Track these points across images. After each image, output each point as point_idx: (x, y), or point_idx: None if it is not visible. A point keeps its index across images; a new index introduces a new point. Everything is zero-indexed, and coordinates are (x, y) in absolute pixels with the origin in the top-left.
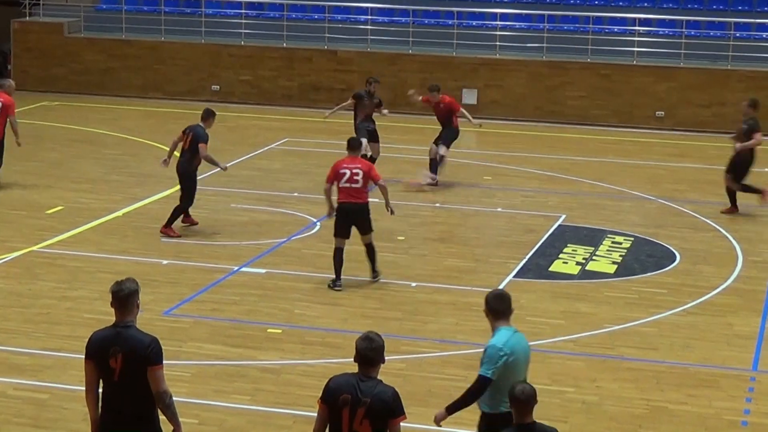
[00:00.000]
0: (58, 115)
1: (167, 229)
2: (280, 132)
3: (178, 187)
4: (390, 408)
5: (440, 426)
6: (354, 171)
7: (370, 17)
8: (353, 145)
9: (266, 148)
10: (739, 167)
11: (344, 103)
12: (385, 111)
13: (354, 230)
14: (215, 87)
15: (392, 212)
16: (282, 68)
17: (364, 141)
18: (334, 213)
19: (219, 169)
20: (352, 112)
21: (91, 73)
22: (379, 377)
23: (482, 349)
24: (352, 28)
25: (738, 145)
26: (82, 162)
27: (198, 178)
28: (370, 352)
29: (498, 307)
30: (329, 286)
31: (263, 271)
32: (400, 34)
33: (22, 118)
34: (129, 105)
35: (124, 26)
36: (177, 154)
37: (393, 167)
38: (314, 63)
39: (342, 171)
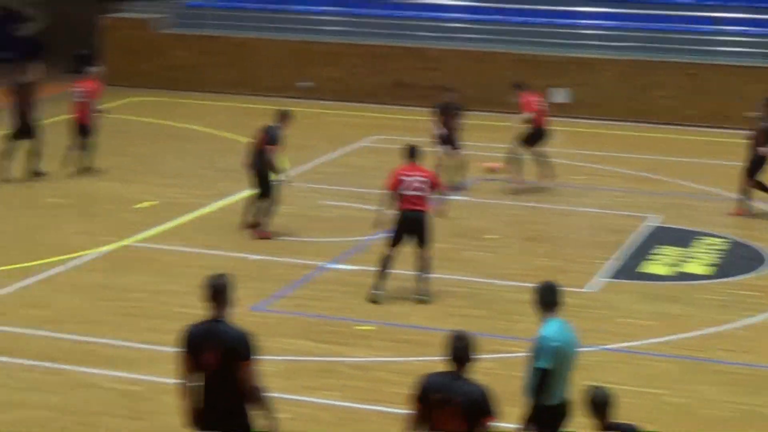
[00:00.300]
0: (145, 110)
1: (260, 233)
2: (368, 129)
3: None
4: (481, 407)
5: None
6: (417, 178)
7: (458, 15)
8: (412, 152)
9: (354, 145)
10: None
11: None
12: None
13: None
14: (302, 84)
15: (446, 215)
16: (369, 65)
17: None
18: (387, 226)
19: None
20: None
21: (179, 69)
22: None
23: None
24: (440, 26)
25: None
26: (169, 157)
27: (289, 173)
28: (461, 351)
29: (548, 299)
30: (371, 292)
31: (352, 267)
32: (489, 32)
33: (112, 114)
34: (216, 101)
35: (212, 23)
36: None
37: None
38: (402, 60)
39: (403, 178)
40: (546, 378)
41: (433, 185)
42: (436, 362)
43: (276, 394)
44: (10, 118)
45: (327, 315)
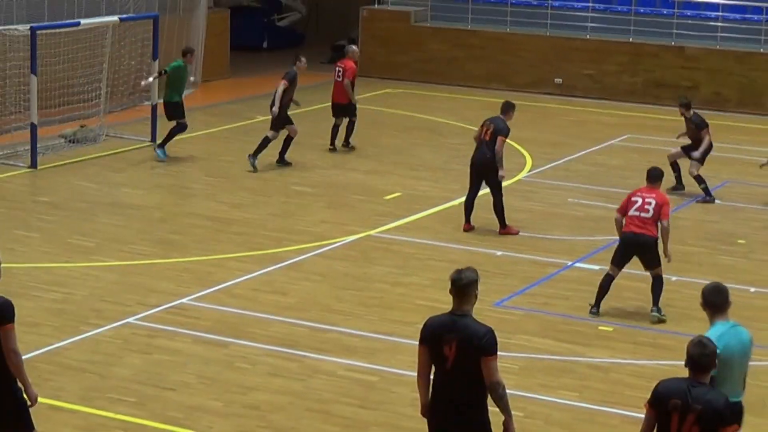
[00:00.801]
0: (400, 102)
1: (506, 229)
2: (622, 128)
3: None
4: (722, 416)
5: None
6: (647, 200)
7: (720, 14)
8: (653, 175)
9: (606, 144)
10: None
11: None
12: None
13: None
14: (558, 80)
15: (669, 259)
16: (627, 63)
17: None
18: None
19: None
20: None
21: (435, 61)
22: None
23: None
24: (701, 24)
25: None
26: (421, 149)
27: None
28: (703, 357)
29: (715, 301)
30: (590, 311)
31: (597, 267)
32: (751, 32)
33: (365, 105)
34: (471, 95)
35: (470, 17)
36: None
37: (737, 168)
38: (660, 59)
39: (634, 199)
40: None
41: (662, 213)
42: (678, 367)
43: (513, 391)
44: (279, 107)
45: (569, 314)
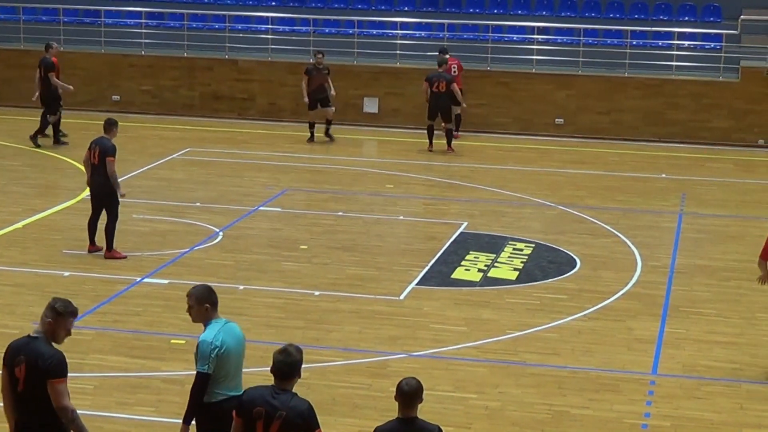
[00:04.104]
0: None
1: (112, 253)
2: (182, 142)
3: (84, 200)
4: (306, 421)
5: None
6: None
7: (270, 26)
8: None
9: (168, 158)
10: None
11: (303, 84)
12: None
13: None
14: (115, 97)
15: None
16: (183, 78)
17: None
18: None
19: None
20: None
21: None
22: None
23: (383, 357)
24: (252, 37)
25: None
26: None
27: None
28: (285, 366)
29: (215, 300)
30: None
31: (166, 281)
32: (300, 44)
33: None
34: (29, 116)
35: (22, 36)
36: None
37: (294, 176)
38: (215, 72)
39: None
40: (207, 381)
41: None
42: (253, 374)
43: (89, 412)
44: None
45: (141, 330)
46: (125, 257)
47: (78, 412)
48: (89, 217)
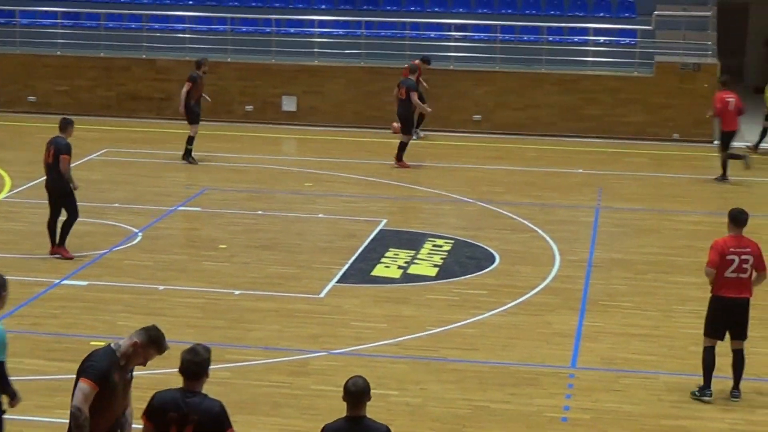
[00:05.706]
0: None
1: (60, 249)
2: (100, 142)
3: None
4: (219, 422)
5: None
6: (743, 258)
7: (188, 26)
8: (738, 220)
9: (85, 159)
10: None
11: (184, 91)
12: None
13: None
14: (31, 98)
15: None
16: (100, 78)
17: None
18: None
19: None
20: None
21: None
22: (204, 389)
23: (304, 356)
24: (170, 36)
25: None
26: None
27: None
28: (193, 365)
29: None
30: (694, 394)
31: (85, 283)
32: (218, 42)
33: None
34: None
35: None
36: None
37: (213, 175)
38: (132, 72)
39: (730, 257)
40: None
41: (759, 265)
42: (172, 374)
43: (8, 416)
44: None
45: (60, 332)
46: (72, 258)
47: None
48: (48, 218)
